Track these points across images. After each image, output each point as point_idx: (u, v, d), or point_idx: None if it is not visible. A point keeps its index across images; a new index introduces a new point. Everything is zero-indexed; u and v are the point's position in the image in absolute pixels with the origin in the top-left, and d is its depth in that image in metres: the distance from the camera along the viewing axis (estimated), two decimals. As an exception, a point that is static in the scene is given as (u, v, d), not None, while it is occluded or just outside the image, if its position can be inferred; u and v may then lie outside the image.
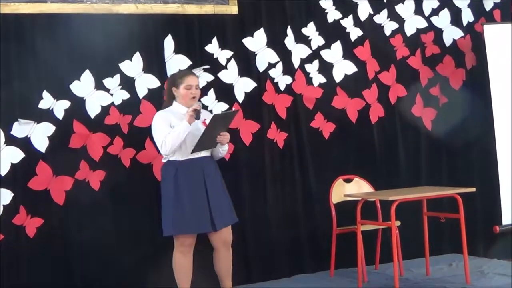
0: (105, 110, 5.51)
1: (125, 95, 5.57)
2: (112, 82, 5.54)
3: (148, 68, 5.64)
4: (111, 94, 5.54)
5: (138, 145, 5.58)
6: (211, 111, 5.70)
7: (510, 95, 6.54)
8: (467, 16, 6.91)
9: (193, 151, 4.91)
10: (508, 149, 6.51)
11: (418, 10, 6.73)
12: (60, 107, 5.37)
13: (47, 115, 5.34)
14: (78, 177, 5.40)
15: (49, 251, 5.30)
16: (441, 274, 5.94)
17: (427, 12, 6.76)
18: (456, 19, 6.87)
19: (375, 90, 6.49)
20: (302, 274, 6.08)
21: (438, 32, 6.80)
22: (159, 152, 5.10)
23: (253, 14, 6.07)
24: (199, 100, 5.08)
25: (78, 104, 5.43)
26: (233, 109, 5.06)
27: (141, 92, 5.62)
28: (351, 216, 5.77)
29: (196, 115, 4.89)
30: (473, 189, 5.75)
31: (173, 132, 4.86)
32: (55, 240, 5.33)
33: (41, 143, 5.30)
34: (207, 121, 4.94)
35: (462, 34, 6.87)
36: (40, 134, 5.30)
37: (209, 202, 4.93)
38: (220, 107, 5.86)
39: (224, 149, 5.13)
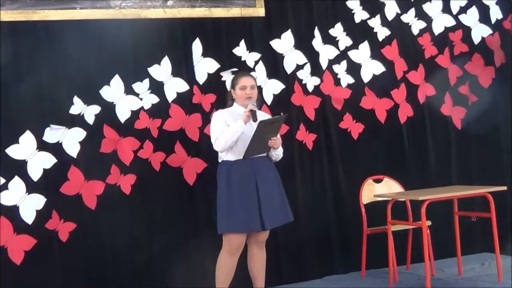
0: (135, 114, 5.55)
1: (155, 99, 5.61)
2: (142, 86, 5.59)
3: (176, 72, 5.68)
4: (141, 99, 5.58)
5: (168, 149, 5.62)
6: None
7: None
8: (496, 13, 6.87)
9: (244, 157, 4.95)
10: (539, 147, 6.47)
11: (446, 9, 6.70)
12: (90, 112, 5.42)
13: (78, 121, 5.39)
14: (109, 182, 5.45)
15: (82, 256, 5.35)
16: (473, 273, 5.91)
17: (455, 10, 6.72)
18: (484, 17, 6.83)
19: (403, 89, 6.47)
20: (333, 275, 6.08)
21: (467, 30, 6.77)
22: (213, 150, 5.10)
23: (280, 16, 6.08)
24: (255, 101, 5.08)
25: (108, 109, 5.48)
26: (281, 114, 5.07)
27: (170, 96, 5.66)
28: (382, 216, 5.77)
29: (253, 116, 4.92)
30: (504, 188, 5.72)
31: (227, 130, 4.92)
32: (88, 244, 5.37)
33: (72, 148, 5.36)
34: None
35: (491, 32, 6.83)
36: (71, 139, 5.36)
37: (259, 202, 4.95)
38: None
39: (277, 153, 5.16)
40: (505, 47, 6.80)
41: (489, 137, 6.73)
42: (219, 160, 5.09)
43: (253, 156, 4.99)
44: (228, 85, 5.33)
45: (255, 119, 4.93)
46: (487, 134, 6.71)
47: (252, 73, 5.41)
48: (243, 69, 5.85)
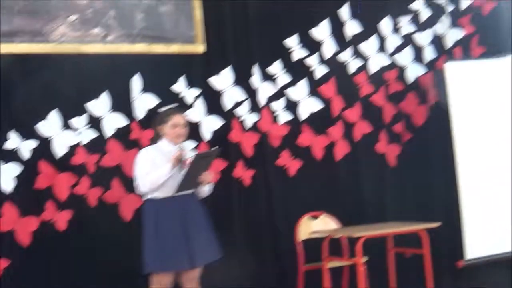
0: (72, 149, 5.49)
1: (93, 134, 5.57)
2: (80, 121, 5.54)
3: (115, 107, 5.65)
4: (79, 134, 5.53)
5: (105, 184, 5.57)
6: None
7: (471, 131, 6.64)
8: (429, 53, 7.05)
9: (177, 192, 4.92)
10: (471, 184, 6.61)
11: (381, 48, 6.84)
12: (26, 147, 5.34)
13: (13, 155, 5.30)
14: (45, 218, 5.36)
15: (15, 293, 5.24)
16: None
17: (390, 49, 6.88)
18: (418, 57, 7.00)
19: (340, 127, 6.57)
20: (269, 312, 6.10)
21: (401, 69, 6.92)
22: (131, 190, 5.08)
23: (220, 52, 6.12)
24: (182, 144, 5.08)
25: (44, 144, 5.41)
26: (213, 148, 5.09)
27: (109, 131, 5.62)
28: (319, 252, 5.83)
29: (181, 162, 4.90)
30: (438, 224, 5.87)
31: (155, 174, 4.87)
32: (21, 282, 5.26)
33: (7, 184, 5.26)
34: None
35: (424, 71, 7.00)
36: (6, 175, 5.26)
37: (189, 240, 4.93)
38: (187, 146, 5.86)
39: (205, 190, 5.16)
40: (438, 86, 6.95)
41: (423, 174, 6.85)
42: (143, 199, 5.04)
43: (184, 191, 4.97)
44: (156, 121, 5.22)
45: (183, 165, 4.92)
46: (420, 171, 6.83)
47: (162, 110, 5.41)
48: (183, 105, 5.86)
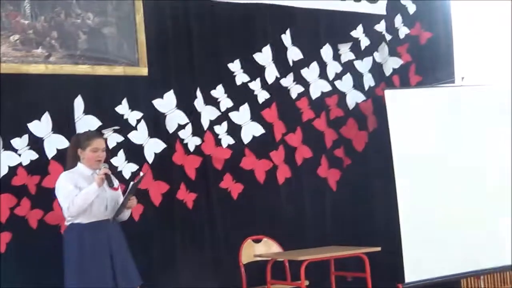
0: (13, 170, 5.41)
1: (34, 155, 5.49)
2: (20, 142, 5.46)
3: (57, 129, 5.59)
4: (19, 155, 5.45)
5: (46, 206, 5.48)
6: (120, 172, 5.71)
7: (410, 157, 6.77)
8: (369, 81, 7.19)
9: (114, 218, 4.92)
10: (409, 208, 6.71)
11: (323, 75, 6.95)
12: (-34, 168, 5.25)
13: (-48, 176, 5.21)
14: (-16, 239, 5.26)
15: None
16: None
17: (331, 76, 6.99)
18: (358, 84, 7.13)
19: (282, 151, 6.63)
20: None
21: (342, 95, 7.04)
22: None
23: (163, 76, 6.13)
24: (107, 162, 5.04)
25: (-16, 164, 5.33)
26: (141, 173, 5.08)
27: (50, 152, 5.55)
28: (261, 276, 5.84)
29: (108, 181, 4.87)
30: (379, 249, 5.95)
31: (82, 194, 4.82)
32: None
33: None
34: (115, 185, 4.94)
35: (364, 98, 7.13)
36: None
37: (113, 265, 4.89)
38: (130, 168, 5.84)
39: (126, 214, 5.13)
40: (377, 113, 7.08)
41: (363, 199, 6.94)
42: (67, 223, 4.98)
43: (119, 217, 4.97)
44: (73, 144, 5.16)
45: (111, 184, 4.90)
46: (361, 196, 6.92)
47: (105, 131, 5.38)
48: (126, 127, 5.84)
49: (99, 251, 4.87)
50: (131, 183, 4.97)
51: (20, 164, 5.45)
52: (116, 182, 5.06)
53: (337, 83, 7.04)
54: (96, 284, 4.82)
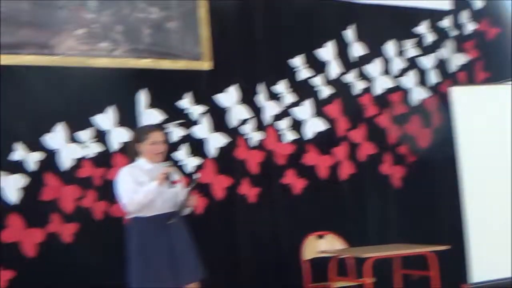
0: (78, 162, 5.50)
1: (98, 148, 5.57)
2: (86, 134, 5.54)
3: (121, 122, 5.66)
4: (85, 147, 5.53)
5: (111, 198, 5.52)
6: (183, 166, 5.74)
7: (476, 155, 6.64)
8: (433, 77, 7.08)
9: (172, 221, 4.90)
10: (477, 207, 6.58)
11: (386, 70, 6.87)
12: (32, 159, 5.33)
13: (19, 167, 5.29)
14: (50, 230, 5.34)
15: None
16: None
17: (394, 72, 6.91)
18: (422, 80, 7.04)
19: (345, 147, 6.58)
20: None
21: (406, 92, 6.95)
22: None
23: (226, 70, 6.15)
24: (168, 159, 5.06)
25: (51, 156, 5.41)
26: (195, 176, 5.12)
27: (114, 145, 5.62)
28: (323, 272, 5.80)
29: (168, 179, 4.85)
30: (447, 247, 5.82)
31: (142, 192, 4.81)
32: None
33: (13, 195, 5.24)
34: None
35: (428, 95, 7.02)
36: (12, 186, 5.25)
37: (175, 258, 4.89)
38: (192, 162, 5.87)
39: (187, 210, 5.11)
40: (441, 110, 6.97)
41: (427, 196, 6.83)
42: (129, 217, 4.99)
43: (177, 218, 4.96)
44: (133, 139, 5.14)
45: (171, 186, 4.87)
46: (425, 193, 6.81)
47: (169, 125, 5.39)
48: (189, 121, 5.87)
49: (161, 244, 4.88)
50: (187, 188, 4.95)
51: (86, 156, 5.52)
52: (177, 176, 5.04)
53: (401, 79, 6.95)
54: (158, 277, 4.83)
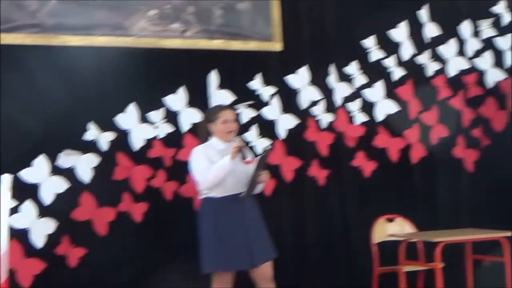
0: (149, 143, 5.55)
1: (169, 128, 5.61)
2: (157, 115, 5.59)
3: (192, 103, 5.69)
4: (155, 127, 5.58)
5: (181, 178, 5.59)
6: (253, 147, 5.74)
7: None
8: (510, 58, 6.89)
9: (245, 197, 4.89)
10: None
11: (461, 52, 6.72)
12: (105, 139, 5.41)
13: (92, 147, 5.38)
14: (121, 209, 5.42)
15: (90, 282, 5.29)
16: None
17: (469, 53, 6.75)
18: (498, 61, 6.86)
19: (416, 130, 6.47)
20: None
21: (481, 73, 6.79)
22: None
23: (297, 51, 6.11)
24: (239, 136, 5.04)
25: (122, 136, 5.48)
26: (268, 146, 5.06)
27: (185, 126, 5.66)
28: (391, 255, 5.76)
29: (242, 153, 4.86)
30: (517, 233, 5.69)
31: (215, 168, 4.83)
32: (97, 270, 5.32)
33: (85, 174, 5.34)
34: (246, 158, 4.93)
35: (505, 76, 6.84)
36: (84, 165, 5.35)
37: (248, 238, 4.90)
38: (263, 143, 5.86)
39: (260, 188, 5.11)
40: (518, 92, 6.81)
41: (501, 181, 6.67)
42: (202, 197, 5.01)
43: (251, 193, 4.95)
44: (204, 119, 5.17)
45: (244, 157, 4.87)
46: (499, 177, 6.66)
47: (239, 106, 5.38)
48: (259, 102, 5.86)
49: (233, 224, 4.89)
50: (258, 157, 4.94)
51: (157, 136, 5.57)
52: (250, 155, 5.02)
53: (476, 60, 6.79)
54: (231, 257, 4.85)
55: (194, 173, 4.98)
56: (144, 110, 5.56)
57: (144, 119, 5.56)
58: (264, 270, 4.97)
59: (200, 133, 5.15)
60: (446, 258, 5.80)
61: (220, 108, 5.15)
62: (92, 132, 5.39)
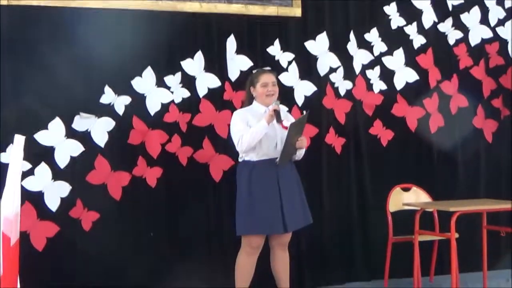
0: (165, 107, 5.51)
1: (186, 93, 5.57)
2: (173, 80, 5.54)
3: (209, 67, 5.63)
4: (172, 92, 5.54)
5: (196, 144, 5.57)
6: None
7: None
8: (533, 28, 6.77)
9: (279, 163, 4.88)
10: None
11: (484, 20, 6.60)
12: (121, 103, 5.38)
13: (108, 110, 5.36)
14: (136, 173, 5.40)
15: (103, 246, 5.29)
16: (498, 289, 5.82)
17: (492, 22, 6.63)
18: (522, 31, 6.74)
19: (436, 99, 6.39)
20: (355, 282, 6.01)
21: (503, 43, 6.67)
22: (234, 150, 5.04)
23: (316, 17, 6.02)
24: (278, 100, 5.00)
25: (138, 100, 5.44)
26: (304, 112, 5.01)
27: (202, 91, 5.61)
28: (405, 225, 5.73)
29: (277, 117, 4.85)
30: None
31: (250, 131, 4.84)
32: (111, 235, 5.33)
33: (100, 138, 5.32)
34: (285, 123, 4.90)
35: (528, 47, 6.73)
36: (100, 129, 5.33)
37: (282, 204, 4.89)
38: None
39: (300, 153, 5.09)
40: (540, 63, 6.69)
41: (520, 152, 6.62)
42: (240, 160, 5.03)
43: (287, 160, 4.92)
44: (247, 84, 5.16)
45: (279, 120, 4.87)
46: (517, 149, 6.60)
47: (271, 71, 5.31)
48: (277, 68, 5.79)
49: (267, 188, 4.88)
50: (290, 123, 4.89)
51: (173, 101, 5.53)
52: (287, 121, 4.98)
53: (499, 29, 6.66)
54: (264, 221, 4.85)
55: (232, 136, 4.98)
56: (161, 74, 5.51)
57: (160, 83, 5.51)
58: (282, 235, 4.98)
59: (245, 97, 5.16)
60: (462, 228, 5.79)
61: (260, 71, 5.15)
62: (108, 96, 5.36)
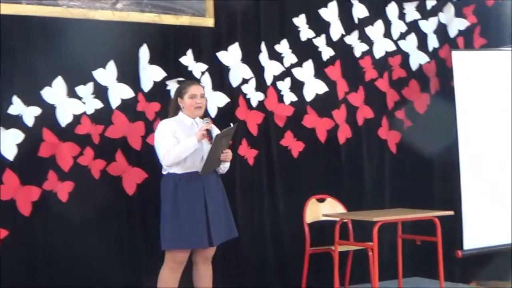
0: (77, 119, 5.29)
1: (98, 104, 5.37)
2: (85, 90, 5.33)
3: (122, 78, 5.46)
4: (84, 103, 5.33)
5: (109, 156, 5.38)
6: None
7: (473, 120, 6.56)
8: (433, 42, 6.96)
9: (202, 174, 4.80)
10: (472, 174, 6.51)
11: (387, 33, 6.74)
12: (30, 114, 5.12)
13: (16, 122, 5.09)
14: (46, 188, 5.16)
15: (13, 264, 5.03)
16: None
17: (395, 35, 6.78)
18: (422, 44, 6.92)
19: (344, 110, 6.47)
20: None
21: (405, 56, 6.84)
22: (159, 164, 4.94)
23: (229, 28, 5.97)
24: (208, 115, 4.94)
25: (49, 111, 5.20)
26: (232, 124, 4.94)
27: (114, 102, 5.43)
28: (322, 236, 5.73)
29: (209, 136, 4.79)
30: (451, 213, 5.80)
31: (180, 146, 4.75)
32: (20, 251, 5.07)
33: (9, 151, 5.04)
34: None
35: (428, 60, 6.92)
36: (8, 141, 5.04)
37: (208, 218, 4.80)
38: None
39: (225, 166, 5.04)
40: (440, 75, 6.88)
41: (422, 162, 6.77)
42: (164, 172, 4.91)
43: (209, 171, 4.84)
44: (173, 94, 5.11)
45: (210, 140, 4.79)
46: (420, 159, 6.74)
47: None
48: (189, 79, 5.68)
49: (193, 201, 4.79)
50: (215, 135, 4.81)
51: (85, 112, 5.33)
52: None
53: (401, 42, 6.82)
54: (189, 234, 4.75)
55: (156, 147, 4.87)
56: (72, 84, 5.29)
57: (71, 94, 5.29)
58: (206, 251, 4.92)
59: (171, 107, 5.05)
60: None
61: (188, 83, 5.08)
62: (16, 107, 5.09)
